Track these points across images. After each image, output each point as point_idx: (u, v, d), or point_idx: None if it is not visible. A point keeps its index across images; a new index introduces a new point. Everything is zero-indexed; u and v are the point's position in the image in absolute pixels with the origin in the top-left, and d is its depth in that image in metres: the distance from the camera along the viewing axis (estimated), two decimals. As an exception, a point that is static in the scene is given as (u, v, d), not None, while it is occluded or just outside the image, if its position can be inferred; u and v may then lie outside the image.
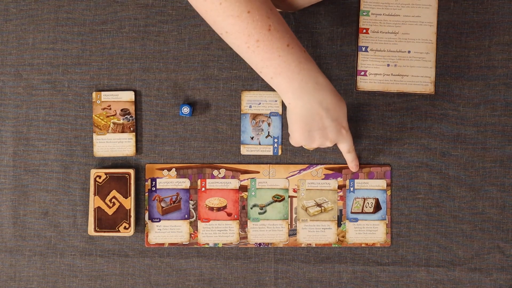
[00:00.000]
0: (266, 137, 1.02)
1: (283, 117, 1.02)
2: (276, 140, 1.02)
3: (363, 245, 1.03)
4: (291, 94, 0.85)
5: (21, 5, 1.02)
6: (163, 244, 1.02)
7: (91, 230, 1.00)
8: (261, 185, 1.02)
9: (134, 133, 1.02)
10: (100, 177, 1.00)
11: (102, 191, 1.00)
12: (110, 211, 1.00)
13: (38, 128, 1.02)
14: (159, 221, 1.02)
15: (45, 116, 1.02)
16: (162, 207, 1.02)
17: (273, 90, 1.02)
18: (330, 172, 1.02)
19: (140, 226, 1.03)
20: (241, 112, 1.02)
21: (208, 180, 1.02)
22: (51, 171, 1.02)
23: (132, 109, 1.02)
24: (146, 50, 1.02)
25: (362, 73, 1.02)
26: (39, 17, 1.02)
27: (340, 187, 1.03)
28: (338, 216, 1.03)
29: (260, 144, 1.02)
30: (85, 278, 1.03)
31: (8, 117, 1.02)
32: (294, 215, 1.03)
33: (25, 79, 1.02)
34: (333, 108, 0.87)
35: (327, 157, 1.03)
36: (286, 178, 1.03)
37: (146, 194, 1.02)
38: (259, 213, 1.03)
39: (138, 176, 1.02)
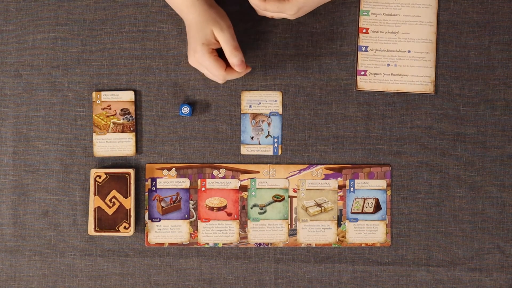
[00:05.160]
0: (266, 137, 1.02)
1: (283, 117, 1.02)
2: (276, 140, 1.02)
3: (363, 245, 1.03)
4: None
5: (21, 5, 1.02)
6: (163, 244, 1.02)
7: (91, 230, 1.00)
8: (261, 185, 1.02)
9: (134, 133, 1.02)
10: (100, 177, 1.00)
11: (102, 191, 1.00)
12: (110, 211, 1.00)
13: (38, 128, 1.02)
14: (159, 221, 1.02)
15: (45, 116, 1.02)
16: (162, 207, 1.02)
17: (273, 90, 1.02)
18: (330, 172, 1.02)
19: (140, 226, 1.03)
20: (241, 112, 1.02)
21: (208, 180, 1.02)
22: (51, 171, 1.02)
23: (132, 109, 1.02)
24: (146, 50, 1.02)
25: (362, 73, 1.02)
26: (39, 17, 1.02)
27: (340, 187, 1.03)
28: (338, 216, 1.03)
29: (260, 144, 1.02)
30: (85, 278, 1.03)
31: (8, 117, 1.02)
32: (294, 215, 1.03)
33: (25, 79, 1.02)
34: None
35: (327, 157, 1.03)
36: (286, 178, 1.03)
37: (146, 194, 1.02)
38: (259, 213, 1.03)
39: (138, 176, 1.02)
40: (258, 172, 1.02)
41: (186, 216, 1.02)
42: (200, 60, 0.93)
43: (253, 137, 1.02)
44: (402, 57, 1.01)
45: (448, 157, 1.02)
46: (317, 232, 1.03)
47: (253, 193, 1.03)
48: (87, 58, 1.02)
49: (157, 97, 1.02)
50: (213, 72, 0.94)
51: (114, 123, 1.01)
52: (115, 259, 1.02)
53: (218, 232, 1.02)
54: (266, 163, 1.03)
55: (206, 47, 0.92)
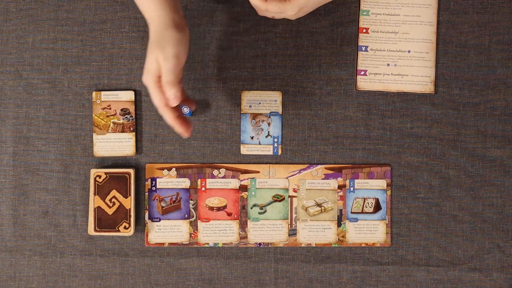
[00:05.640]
0: (266, 136, 1.02)
1: (283, 117, 1.02)
2: (276, 140, 1.02)
3: (363, 245, 1.03)
4: None
5: (21, 5, 1.02)
6: (163, 243, 1.02)
7: (91, 230, 1.00)
8: (261, 185, 1.03)
9: (134, 133, 1.02)
10: (100, 176, 1.00)
11: (102, 191, 1.00)
12: (110, 211, 1.00)
13: (38, 128, 1.02)
14: (159, 220, 1.02)
15: (45, 115, 1.02)
16: (162, 207, 1.02)
17: (273, 90, 1.02)
18: (330, 172, 1.02)
19: (140, 225, 1.03)
20: (241, 112, 1.02)
21: (208, 180, 1.02)
22: (51, 171, 1.02)
23: (132, 109, 1.02)
24: (146, 50, 1.02)
25: (362, 72, 1.02)
26: (39, 17, 1.02)
27: (340, 187, 1.03)
28: (338, 216, 1.03)
29: (260, 144, 1.02)
30: (85, 278, 1.03)
31: (8, 117, 1.02)
32: (294, 215, 1.03)
33: (25, 79, 1.02)
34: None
35: (327, 157, 1.03)
36: (286, 178, 1.03)
37: (146, 193, 1.02)
38: (259, 213, 1.03)
39: (138, 176, 1.02)
40: (258, 172, 1.02)
41: (186, 216, 1.02)
42: (145, 82, 0.87)
43: (253, 137, 1.02)
44: (402, 57, 1.01)
45: (448, 157, 1.02)
46: (317, 232, 1.03)
47: (253, 193, 1.03)
48: (87, 58, 1.02)
49: (157, 97, 1.02)
50: (154, 101, 0.87)
51: (114, 123, 1.01)
52: (115, 259, 1.03)
53: (218, 232, 1.02)
54: (266, 163, 1.03)
55: (150, 74, 0.86)
